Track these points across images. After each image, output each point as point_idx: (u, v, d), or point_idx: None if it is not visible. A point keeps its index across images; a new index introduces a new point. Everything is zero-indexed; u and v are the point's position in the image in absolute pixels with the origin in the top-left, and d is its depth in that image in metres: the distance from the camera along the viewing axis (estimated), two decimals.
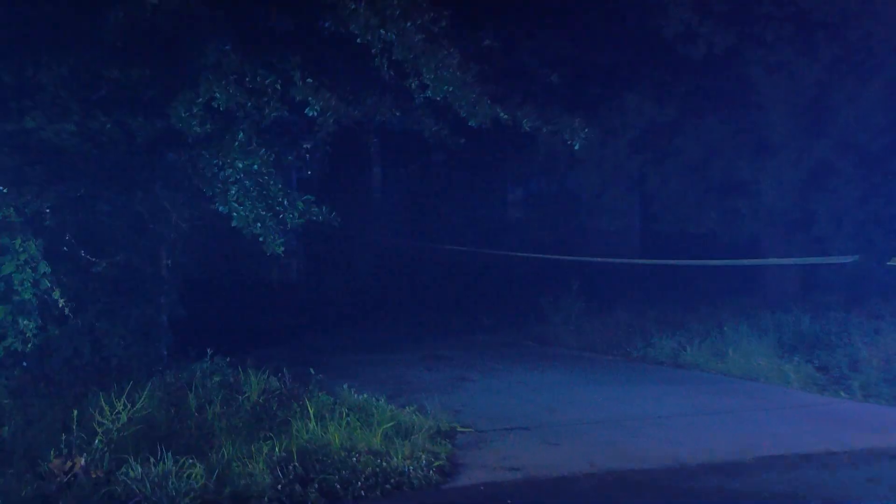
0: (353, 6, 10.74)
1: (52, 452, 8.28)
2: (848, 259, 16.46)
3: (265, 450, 8.60)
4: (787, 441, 9.79)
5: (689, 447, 9.59)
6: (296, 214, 11.48)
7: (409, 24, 10.94)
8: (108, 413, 8.89)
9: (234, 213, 11.12)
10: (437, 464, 8.83)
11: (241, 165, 10.95)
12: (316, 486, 8.14)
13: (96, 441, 8.49)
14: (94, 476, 8.03)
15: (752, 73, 16.28)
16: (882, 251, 16.32)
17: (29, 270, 8.93)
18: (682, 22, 15.69)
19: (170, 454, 8.17)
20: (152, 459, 8.12)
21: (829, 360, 13.13)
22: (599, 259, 20.70)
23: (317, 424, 9.30)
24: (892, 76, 15.95)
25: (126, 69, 10.94)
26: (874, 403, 11.63)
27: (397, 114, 13.38)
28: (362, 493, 8.16)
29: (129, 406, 9.05)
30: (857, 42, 15.89)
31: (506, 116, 12.42)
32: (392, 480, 8.37)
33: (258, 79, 11.10)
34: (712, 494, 8.24)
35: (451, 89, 11.53)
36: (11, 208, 9.11)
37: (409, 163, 24.51)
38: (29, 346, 9.10)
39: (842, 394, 12.11)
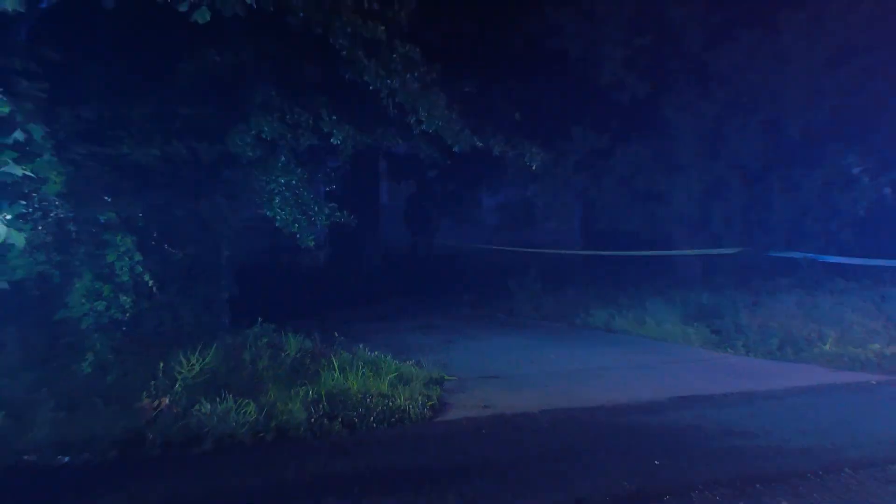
0: (366, 62, 10.80)
1: (143, 394, 8.41)
2: (735, 250, 16.56)
3: (301, 393, 8.73)
4: (692, 386, 9.91)
5: (619, 391, 9.69)
6: (323, 217, 11.58)
7: (408, 75, 11.00)
8: (185, 365, 9.01)
9: (277, 217, 11.21)
10: (429, 403, 8.95)
11: (282, 181, 11.03)
12: (339, 420, 8.30)
13: (176, 386, 8.64)
14: (174, 412, 8.14)
15: (666, 111, 16.36)
16: (761, 245, 16.45)
17: (126, 259, 8.96)
18: (613, 74, 15.79)
19: (230, 396, 8.33)
20: (217, 400, 8.26)
21: (721, 325, 13.23)
22: (551, 251, 20.80)
23: (340, 374, 9.41)
24: (767, 115, 16.07)
25: (195, 107, 10.99)
26: (753, 358, 11.74)
27: (399, 141, 13.43)
28: (374, 425, 8.31)
29: (200, 360, 9.18)
30: (743, 89, 15.99)
31: (481, 144, 12.54)
32: (396, 416, 8.53)
33: (295, 115, 11.18)
34: (636, 426, 8.31)
35: (440, 123, 11.61)
36: (113, 213, 9.15)
37: (408, 178, 24.53)
38: (126, 315, 9.14)
39: (729, 350, 12.23)
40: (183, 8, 8.54)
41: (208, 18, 8.56)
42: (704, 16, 15.71)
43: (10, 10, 7.67)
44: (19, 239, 7.99)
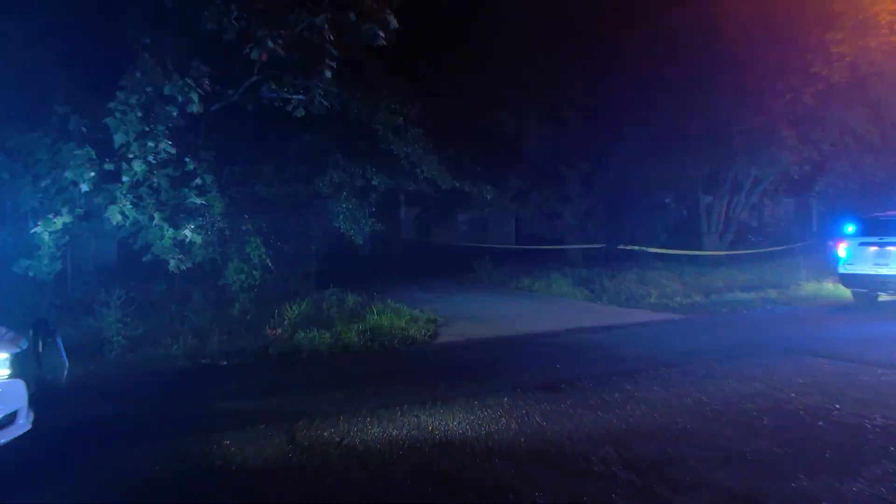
0: (392, 138, 10.86)
1: (266, 327, 8.48)
2: (601, 245, 16.68)
3: (354, 327, 8.72)
4: (578, 321, 9.98)
5: (536, 325, 9.75)
6: (367, 227, 11.55)
7: (416, 145, 11.07)
8: (289, 311, 9.03)
9: (342, 226, 11.18)
10: (428, 333, 9.00)
11: (344, 206, 11.02)
12: (377, 342, 8.36)
13: (285, 323, 8.66)
14: (284, 337, 8.22)
15: (561, 168, 16.46)
16: (615, 242, 16.56)
17: (256, 250, 8.97)
18: (532, 146, 15.86)
19: (315, 328, 8.38)
20: (308, 330, 8.32)
21: (593, 288, 13.22)
22: (498, 245, 20.88)
23: (377, 316, 9.38)
24: (617, 171, 16.24)
25: (297, 164, 11.05)
26: (611, 306, 11.78)
27: (410, 183, 13.47)
28: (396, 345, 8.36)
29: (298, 308, 9.20)
30: (604, 157, 16.13)
31: (458, 184, 12.58)
32: (409, 340, 8.57)
33: (352, 169, 11.18)
34: (546, 345, 8.41)
35: (434, 173, 11.66)
36: (250, 224, 9.18)
37: (415, 205, 24.46)
38: (257, 282, 9.09)
39: (598, 302, 12.24)
40: (288, 108, 8.67)
41: (303, 114, 8.67)
42: (582, 116, 15.81)
43: (196, 111, 7.84)
44: (197, 239, 8.07)
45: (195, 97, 7.74)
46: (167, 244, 7.89)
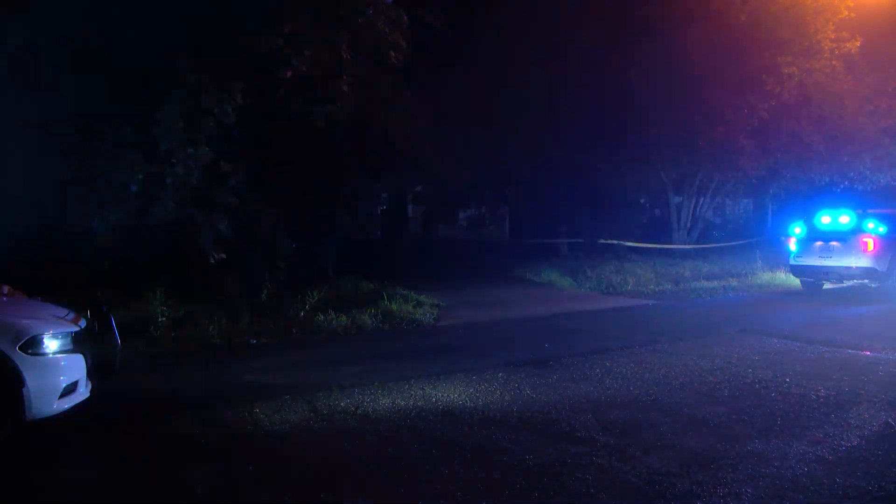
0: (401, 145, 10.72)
1: (290, 310, 8.32)
2: (584, 239, 16.56)
3: (368, 311, 8.57)
4: (564, 306, 9.92)
5: (527, 309, 9.67)
6: (380, 223, 11.39)
7: (423, 152, 10.92)
8: (311, 297, 8.90)
9: (358, 222, 10.99)
10: (433, 316, 8.92)
11: (361, 204, 10.86)
12: (388, 324, 8.28)
13: (307, 307, 8.53)
14: (306, 319, 8.13)
15: (542, 185, 16.24)
16: (597, 236, 16.36)
17: (283, 243, 8.87)
18: (521, 165, 15.65)
19: (333, 312, 8.27)
20: (327, 313, 8.22)
21: (578, 277, 13.05)
22: (494, 239, 20.80)
23: (387, 301, 9.25)
24: (591, 183, 16.02)
25: (318, 168, 10.88)
26: (593, 293, 11.69)
27: (417, 184, 13.26)
28: (404, 327, 8.31)
29: (318, 294, 9.08)
30: (575, 171, 15.90)
31: (459, 184, 12.36)
32: (415, 323, 8.49)
33: (367, 171, 11.00)
34: (535, 327, 8.39)
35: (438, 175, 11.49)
36: (277, 220, 9.10)
37: (421, 204, 24.22)
38: (282, 271, 8.98)
39: (583, 289, 12.12)
40: (311, 118, 8.64)
41: (324, 123, 8.62)
42: (553, 140, 15.51)
43: (230, 121, 7.84)
44: (231, 233, 8.08)
45: (230, 109, 7.74)
46: (205, 237, 7.91)
